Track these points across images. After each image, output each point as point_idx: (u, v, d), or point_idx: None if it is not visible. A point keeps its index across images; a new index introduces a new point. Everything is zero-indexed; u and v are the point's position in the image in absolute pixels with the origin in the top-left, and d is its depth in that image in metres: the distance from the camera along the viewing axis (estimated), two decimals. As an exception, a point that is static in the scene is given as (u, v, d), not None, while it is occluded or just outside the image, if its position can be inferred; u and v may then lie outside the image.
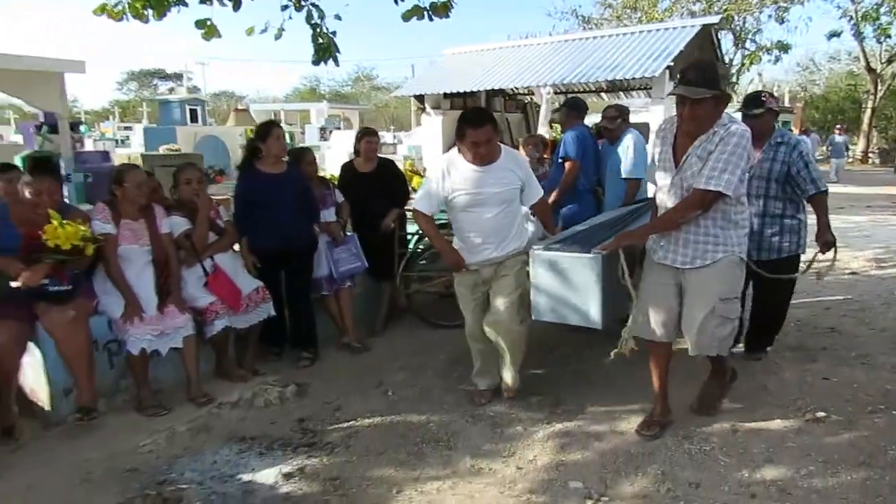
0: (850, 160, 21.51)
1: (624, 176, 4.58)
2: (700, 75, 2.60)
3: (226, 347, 3.86)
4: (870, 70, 27.04)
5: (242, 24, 4.82)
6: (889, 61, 26.80)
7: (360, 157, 4.86)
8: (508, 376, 3.44)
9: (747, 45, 22.14)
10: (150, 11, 4.64)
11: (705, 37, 11.44)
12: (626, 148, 4.59)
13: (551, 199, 4.36)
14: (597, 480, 2.62)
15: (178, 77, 50.44)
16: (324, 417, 3.34)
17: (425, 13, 4.54)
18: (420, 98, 13.08)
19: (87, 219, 3.41)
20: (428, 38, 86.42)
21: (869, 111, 27.93)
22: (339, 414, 3.39)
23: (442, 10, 4.55)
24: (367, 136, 4.90)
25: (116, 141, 21.51)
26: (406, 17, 4.60)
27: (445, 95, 13.26)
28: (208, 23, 4.66)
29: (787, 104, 25.95)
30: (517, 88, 12.87)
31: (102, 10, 4.54)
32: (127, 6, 4.53)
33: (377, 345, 4.52)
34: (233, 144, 12.15)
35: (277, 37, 4.94)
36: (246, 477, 2.77)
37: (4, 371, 3.19)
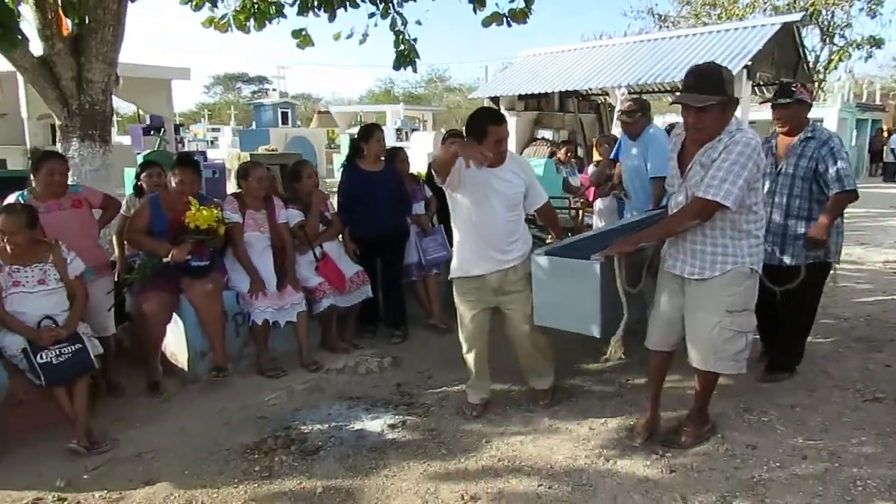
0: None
1: (651, 175, 4.29)
2: (703, 81, 2.51)
3: (331, 323, 4.41)
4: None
5: (325, 29, 5.30)
6: None
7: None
8: (544, 383, 3.42)
9: (836, 40, 21.28)
10: (252, 22, 5.23)
11: (787, 34, 11.32)
12: (648, 145, 4.33)
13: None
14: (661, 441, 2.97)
15: (261, 80, 53.08)
16: (418, 384, 3.82)
17: (504, 19, 4.85)
18: (495, 100, 13.50)
19: (218, 206, 4.02)
20: (501, 40, 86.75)
21: None
22: (430, 381, 3.85)
23: (521, 17, 4.87)
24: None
25: (207, 142, 23.01)
26: (486, 23, 4.91)
27: (520, 97, 13.61)
28: (303, 33, 5.19)
29: (878, 101, 24.73)
30: (591, 89, 13.05)
31: (210, 22, 5.13)
32: (231, 18, 5.12)
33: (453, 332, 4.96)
34: (319, 144, 13.04)
35: (362, 41, 5.44)
36: (357, 426, 3.28)
37: (154, 334, 3.85)
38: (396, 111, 25.61)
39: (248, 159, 6.37)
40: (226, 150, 15.11)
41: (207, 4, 5.09)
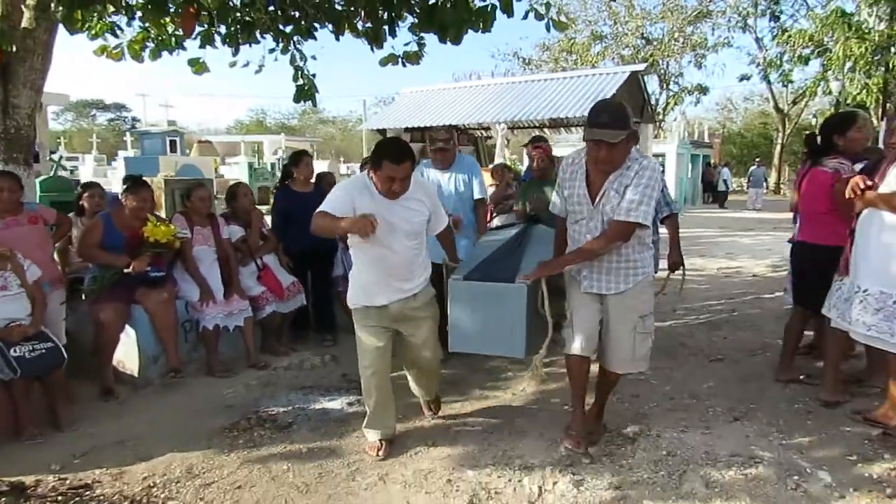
0: (765, 191, 24.00)
1: (478, 197, 4.52)
2: (613, 118, 2.64)
3: (273, 328, 4.86)
4: (778, 110, 30.13)
5: (215, 58, 5.49)
6: (794, 103, 29.94)
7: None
8: (431, 396, 3.55)
9: (671, 86, 24.52)
10: (147, 52, 5.28)
11: (634, 81, 13.19)
12: (471, 169, 4.54)
13: None
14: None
15: (118, 107, 50.25)
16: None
17: (399, 60, 5.17)
18: (382, 132, 14.30)
19: (166, 222, 4.38)
20: (376, 75, 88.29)
21: (779, 147, 30.99)
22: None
23: (414, 58, 5.23)
24: (365, 164, 6.01)
25: (68, 170, 21.62)
26: (383, 62, 5.24)
27: (406, 129, 14.52)
28: (200, 60, 5.15)
29: (706, 139, 28.57)
30: (469, 124, 14.23)
31: (103, 51, 5.12)
32: (126, 48, 5.16)
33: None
34: (209, 172, 13.08)
35: (258, 72, 5.56)
36: (318, 406, 3.79)
37: (110, 341, 4.12)
38: (276, 141, 25.74)
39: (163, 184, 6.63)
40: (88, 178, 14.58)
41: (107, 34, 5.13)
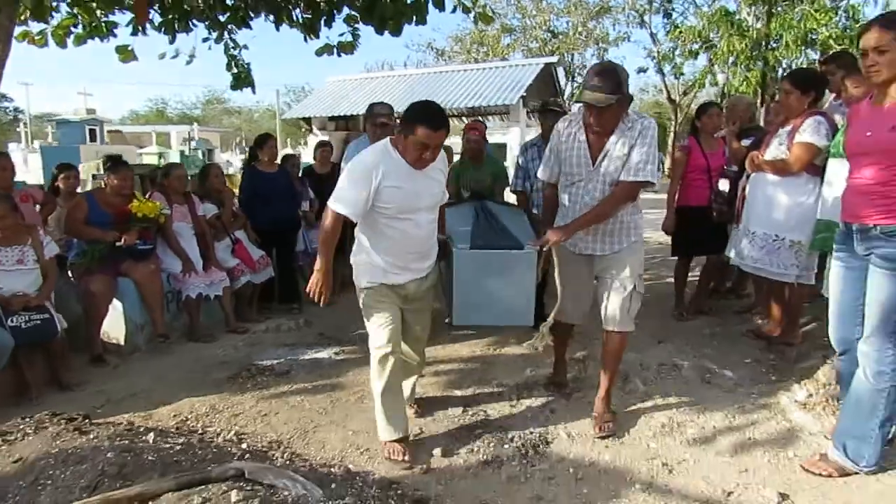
0: (662, 173, 25.90)
1: None
2: (604, 82, 2.61)
3: (246, 297, 5.25)
4: (670, 100, 32.43)
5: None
6: (685, 93, 32.35)
7: (316, 161, 6.39)
8: (415, 389, 3.33)
9: (576, 78, 25.97)
10: (72, 38, 5.14)
11: (547, 73, 14.15)
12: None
13: None
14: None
15: (-1, 97, 46.57)
16: (336, 332, 4.84)
17: (335, 50, 5.42)
18: (307, 120, 14.52)
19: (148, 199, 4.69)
20: (287, 64, 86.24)
21: (672, 135, 33.39)
22: (346, 330, 4.88)
23: (348, 48, 5.46)
24: (321, 147, 6.46)
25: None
26: (319, 52, 5.48)
27: (330, 118, 14.81)
28: (129, 48, 5.10)
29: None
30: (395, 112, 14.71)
31: (25, 36, 5.00)
32: (50, 33, 5.02)
33: (340, 302, 6.04)
34: (132, 160, 12.89)
35: (188, 62, 5.57)
36: (308, 357, 4.27)
37: (99, 312, 4.40)
38: (183, 131, 25.10)
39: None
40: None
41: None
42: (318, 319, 5.28)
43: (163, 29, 5.35)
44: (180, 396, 3.62)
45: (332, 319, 5.26)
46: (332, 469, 2.60)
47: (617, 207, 2.82)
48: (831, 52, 6.46)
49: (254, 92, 6.07)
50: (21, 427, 2.49)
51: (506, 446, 2.90)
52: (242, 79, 5.81)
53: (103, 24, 5.34)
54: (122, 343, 4.54)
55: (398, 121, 2.70)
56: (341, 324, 5.08)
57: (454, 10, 5.18)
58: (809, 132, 3.53)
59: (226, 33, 5.61)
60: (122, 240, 4.34)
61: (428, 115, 2.54)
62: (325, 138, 14.08)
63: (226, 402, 3.51)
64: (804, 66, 14.52)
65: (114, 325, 4.57)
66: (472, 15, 5.46)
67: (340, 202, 2.62)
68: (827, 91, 3.94)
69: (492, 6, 22.90)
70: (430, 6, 4.93)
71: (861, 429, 2.51)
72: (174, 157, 20.24)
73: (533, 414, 3.26)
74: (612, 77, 2.63)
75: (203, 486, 1.81)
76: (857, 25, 14.33)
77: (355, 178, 2.61)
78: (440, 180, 2.83)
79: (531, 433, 3.02)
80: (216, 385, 3.80)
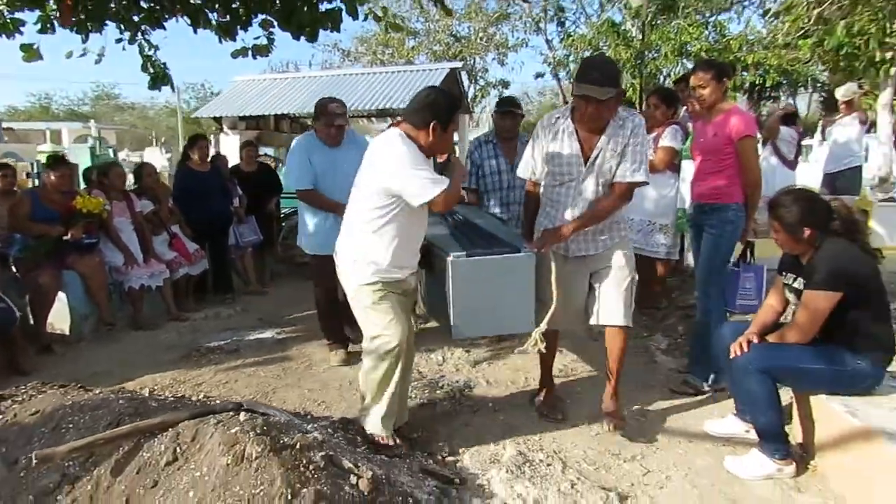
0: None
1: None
2: (602, 74, 2.58)
3: (183, 288, 5.60)
4: (566, 103, 34.45)
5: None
6: (578, 97, 34.41)
7: (242, 161, 6.78)
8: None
9: (479, 81, 27.10)
10: None
11: (452, 76, 14.94)
12: None
13: None
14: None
15: None
16: (273, 318, 5.31)
17: (250, 52, 5.49)
18: (218, 120, 14.50)
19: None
20: (188, 62, 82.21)
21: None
22: (282, 316, 5.37)
23: (263, 51, 5.60)
24: (246, 146, 6.85)
25: None
26: (235, 55, 5.56)
27: (241, 118, 14.88)
28: (34, 46, 4.92)
29: (510, 129, 31.78)
30: (303, 113, 15.00)
31: None
32: None
33: (272, 292, 6.48)
34: (32, 158, 12.42)
35: (97, 61, 5.49)
36: (252, 338, 4.73)
37: (46, 303, 4.65)
38: (75, 129, 23.91)
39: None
40: None
41: None
42: (253, 307, 5.73)
43: (75, 28, 5.36)
44: (140, 374, 3.99)
45: (267, 306, 5.74)
46: (299, 414, 3.14)
47: (616, 208, 2.84)
48: (682, 74, 7.23)
49: (173, 89, 6.29)
50: (24, 391, 2.84)
51: (437, 392, 3.56)
52: (160, 78, 5.85)
53: (9, 22, 5.19)
54: (68, 332, 4.80)
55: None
56: (276, 310, 5.56)
57: (366, 19, 5.63)
58: (669, 138, 4.46)
59: (139, 34, 5.64)
60: (70, 234, 4.61)
61: (458, 105, 2.73)
62: (237, 137, 14.24)
63: (186, 376, 3.95)
64: (681, 74, 16.26)
65: (58, 316, 4.82)
66: (382, 24, 5.96)
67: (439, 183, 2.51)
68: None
69: (397, 11, 23.56)
70: (344, 14, 5.22)
71: (703, 357, 3.38)
72: (74, 156, 19.44)
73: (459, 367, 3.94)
74: (610, 69, 2.66)
75: (213, 414, 2.31)
76: (724, 39, 16.20)
77: (419, 161, 2.56)
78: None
79: (457, 382, 3.69)
80: (172, 363, 4.20)
